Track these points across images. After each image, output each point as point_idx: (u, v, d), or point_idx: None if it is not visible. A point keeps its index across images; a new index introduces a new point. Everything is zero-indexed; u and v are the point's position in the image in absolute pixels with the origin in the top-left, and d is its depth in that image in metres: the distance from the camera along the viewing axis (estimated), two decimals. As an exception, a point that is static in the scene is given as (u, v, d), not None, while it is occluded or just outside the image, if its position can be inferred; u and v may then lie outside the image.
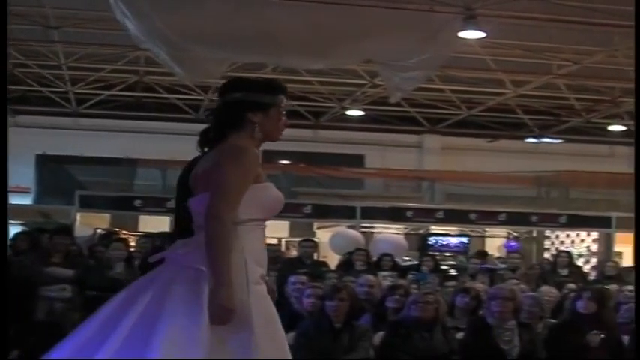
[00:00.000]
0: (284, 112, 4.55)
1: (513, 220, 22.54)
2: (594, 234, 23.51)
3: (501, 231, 23.81)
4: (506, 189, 23.70)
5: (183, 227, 4.48)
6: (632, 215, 23.64)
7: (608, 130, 26.04)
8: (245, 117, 4.40)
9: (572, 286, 11.78)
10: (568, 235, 23.62)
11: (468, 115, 24.12)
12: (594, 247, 23.27)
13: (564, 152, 26.37)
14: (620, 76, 19.69)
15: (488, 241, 24.20)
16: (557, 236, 23.74)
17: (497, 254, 20.75)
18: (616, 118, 24.51)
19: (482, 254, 17.97)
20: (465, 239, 22.84)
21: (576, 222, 22.87)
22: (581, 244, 23.54)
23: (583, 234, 23.58)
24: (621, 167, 26.93)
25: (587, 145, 27.09)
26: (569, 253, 15.75)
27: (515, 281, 11.47)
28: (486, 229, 23.59)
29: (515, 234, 23.79)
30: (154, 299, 4.08)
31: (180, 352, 3.87)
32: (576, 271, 14.96)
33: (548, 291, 10.75)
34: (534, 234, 24.22)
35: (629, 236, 23.61)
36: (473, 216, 22.03)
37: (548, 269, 15.01)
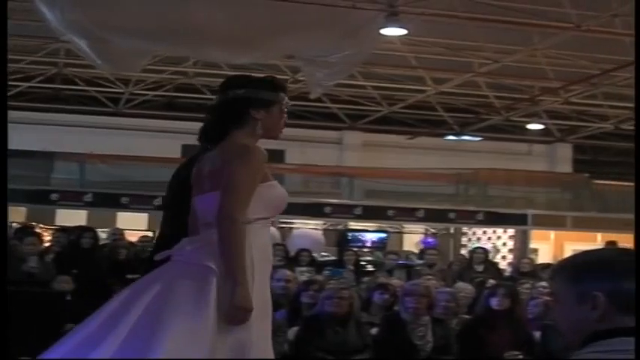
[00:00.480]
0: (285, 110, 4.58)
1: (431, 216, 22.73)
2: (511, 231, 23.82)
3: (419, 227, 23.99)
4: (425, 186, 23.86)
5: (179, 225, 4.53)
6: (548, 213, 24.17)
7: (527, 129, 26.45)
8: (248, 114, 4.42)
9: (492, 282, 11.91)
10: (485, 232, 23.89)
11: (388, 111, 24.28)
12: (510, 244, 23.59)
13: (483, 150, 26.69)
14: (539, 75, 19.99)
15: (406, 237, 24.37)
16: (474, 233, 24.00)
17: (414, 250, 20.91)
18: (534, 117, 24.89)
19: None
20: (383, 235, 22.96)
21: (493, 219, 23.14)
22: (498, 240, 23.85)
23: (500, 231, 23.88)
24: (539, 165, 27.40)
25: (505, 143, 27.46)
26: (485, 250, 15.92)
27: (429, 277, 11.54)
28: (404, 226, 23.75)
29: (432, 230, 23.99)
30: (160, 295, 4.05)
31: (183, 349, 3.86)
32: (492, 268, 15.13)
33: (464, 287, 10.85)
34: (452, 230, 24.45)
35: (546, 233, 24.04)
36: (391, 212, 22.17)
37: (464, 266, 15.16)
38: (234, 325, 4.03)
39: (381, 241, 22.67)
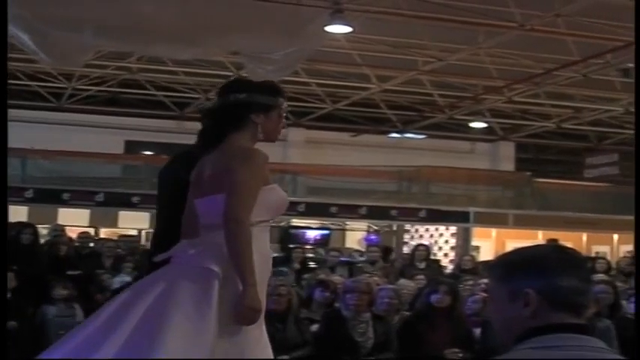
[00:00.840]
0: (284, 115, 4.65)
1: (374, 213, 22.82)
2: (453, 228, 24.00)
3: (362, 224, 24.07)
4: (368, 183, 23.95)
5: (175, 224, 4.58)
6: (490, 210, 24.40)
7: (470, 127, 26.62)
8: (248, 118, 4.47)
9: (436, 279, 11.97)
10: (427, 230, 24.04)
11: (332, 108, 24.30)
12: (453, 242, 23.76)
13: (426, 148, 26.83)
14: (483, 74, 20.11)
15: (348, 234, 24.45)
16: (416, 230, 24.13)
17: (357, 247, 20.97)
18: (478, 115, 25.05)
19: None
20: (325, 232, 23.01)
21: (435, 216, 23.31)
22: (440, 238, 24.01)
23: (442, 228, 24.05)
24: (481, 163, 27.61)
25: (449, 141, 27.65)
26: (427, 247, 16.01)
27: (368, 275, 11.58)
28: (347, 223, 23.82)
29: (375, 227, 24.08)
30: (162, 297, 4.08)
31: (185, 350, 3.89)
32: (434, 265, 15.20)
33: (406, 284, 10.91)
34: (394, 228, 24.56)
35: (487, 231, 24.24)
36: (334, 209, 22.23)
37: (406, 263, 15.22)
38: (243, 325, 4.11)
39: (324, 238, 22.73)
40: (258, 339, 4.32)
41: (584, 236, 24.94)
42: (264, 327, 4.39)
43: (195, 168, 4.54)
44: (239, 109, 4.48)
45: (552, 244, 2.55)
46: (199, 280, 4.11)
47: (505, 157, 29.04)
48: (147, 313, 4.02)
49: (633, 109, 22.92)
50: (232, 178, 4.21)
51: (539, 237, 22.94)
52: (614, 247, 25.07)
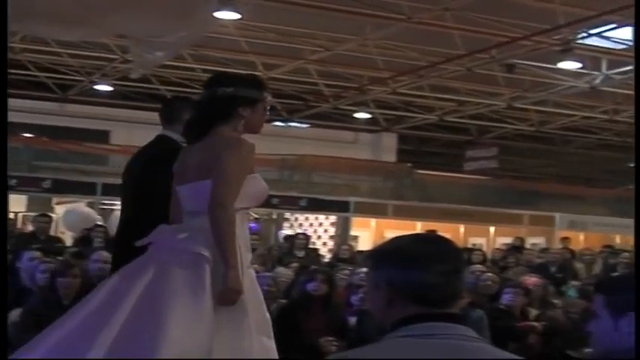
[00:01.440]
0: (268, 108, 4.87)
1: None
2: (333, 217, 24.13)
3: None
4: (250, 171, 23.84)
5: (145, 210, 5.12)
6: (370, 200, 24.60)
7: (354, 117, 26.75)
8: (235, 111, 4.65)
9: (312, 267, 11.99)
10: (307, 218, 24.11)
11: (217, 95, 24.11)
12: (332, 231, 23.89)
13: (310, 137, 26.90)
14: (369, 64, 20.22)
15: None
16: (296, 219, 24.18)
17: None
18: (362, 106, 25.19)
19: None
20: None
21: (316, 205, 23.38)
22: (320, 227, 24.12)
23: (322, 217, 24.15)
24: (364, 154, 27.80)
25: (332, 130, 27.75)
26: (306, 236, 16.06)
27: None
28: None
29: (255, 215, 24.04)
30: (154, 283, 4.22)
31: (187, 332, 4.03)
32: (312, 254, 15.27)
33: (284, 272, 10.91)
34: (274, 216, 24.56)
35: (367, 221, 24.43)
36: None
37: (285, 251, 15.25)
38: (225, 306, 4.24)
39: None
40: (261, 322, 4.51)
41: (462, 228, 25.36)
42: (266, 312, 4.64)
43: (179, 157, 4.76)
44: (227, 102, 4.63)
45: (420, 234, 2.58)
46: (191, 265, 4.27)
47: (387, 148, 29.30)
48: (141, 300, 4.13)
49: (519, 105, 23.44)
50: (220, 165, 4.38)
51: (418, 228, 23.21)
52: (490, 239, 25.56)
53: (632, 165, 33.21)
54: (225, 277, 4.22)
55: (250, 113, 4.69)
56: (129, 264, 4.51)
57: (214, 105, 4.65)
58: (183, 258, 4.31)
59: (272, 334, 4.61)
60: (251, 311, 4.40)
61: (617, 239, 25.24)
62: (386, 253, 2.66)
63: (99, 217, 18.77)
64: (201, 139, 4.65)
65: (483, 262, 14.41)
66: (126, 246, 5.34)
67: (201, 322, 4.12)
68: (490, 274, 9.76)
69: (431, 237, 2.77)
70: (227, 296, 4.25)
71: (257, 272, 9.56)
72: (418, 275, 2.53)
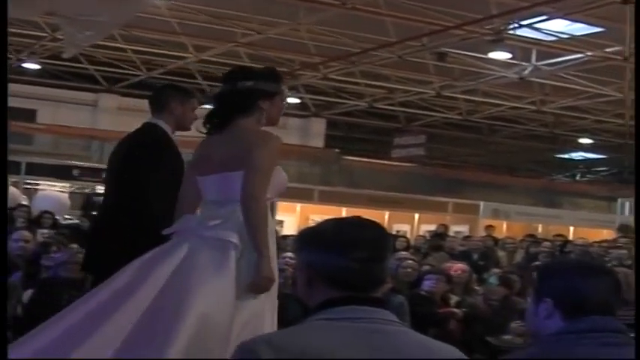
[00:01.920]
0: (285, 100, 5.12)
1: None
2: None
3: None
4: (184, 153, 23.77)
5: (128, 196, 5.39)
6: (296, 185, 24.57)
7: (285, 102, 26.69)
8: (256, 104, 4.83)
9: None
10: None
11: (147, 76, 23.94)
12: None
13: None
14: (300, 49, 20.21)
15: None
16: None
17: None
18: (292, 90, 25.15)
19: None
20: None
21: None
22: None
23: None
24: (293, 139, 27.79)
25: (262, 114, 27.69)
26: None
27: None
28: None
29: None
30: (185, 260, 4.44)
31: (213, 305, 4.25)
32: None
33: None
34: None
35: (292, 205, 24.47)
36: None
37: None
38: (258, 294, 4.52)
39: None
40: (272, 310, 4.67)
41: (387, 214, 25.49)
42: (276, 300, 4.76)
43: (199, 149, 4.97)
44: (248, 95, 4.83)
45: (350, 218, 2.61)
46: (219, 248, 4.49)
47: (316, 134, 29.33)
48: (173, 274, 4.37)
49: (448, 93, 23.64)
50: (252, 159, 4.59)
51: (343, 213, 23.23)
52: (414, 225, 25.76)
53: (557, 156, 33.77)
54: (259, 266, 4.45)
55: (269, 106, 4.88)
56: (154, 250, 4.62)
57: (234, 98, 4.84)
58: (212, 243, 4.51)
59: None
60: (267, 298, 4.62)
61: (540, 228, 25.62)
62: (309, 236, 2.73)
63: (24, 196, 18.57)
64: (221, 130, 4.84)
65: (407, 248, 14.55)
66: (106, 232, 5.70)
67: (224, 295, 4.34)
68: (411, 262, 9.85)
69: (360, 222, 2.78)
70: (261, 284, 4.49)
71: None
72: (336, 260, 2.60)
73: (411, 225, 25.73)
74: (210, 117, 4.92)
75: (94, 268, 5.86)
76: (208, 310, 4.23)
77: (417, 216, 26.01)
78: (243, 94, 4.84)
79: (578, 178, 36.57)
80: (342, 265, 2.59)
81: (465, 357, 2.72)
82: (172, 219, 4.88)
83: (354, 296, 2.59)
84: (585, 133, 29.00)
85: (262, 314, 4.56)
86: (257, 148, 4.63)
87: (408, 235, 20.10)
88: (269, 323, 4.57)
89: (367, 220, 2.83)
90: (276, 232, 16.44)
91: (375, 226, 2.73)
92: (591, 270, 3.15)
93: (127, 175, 5.63)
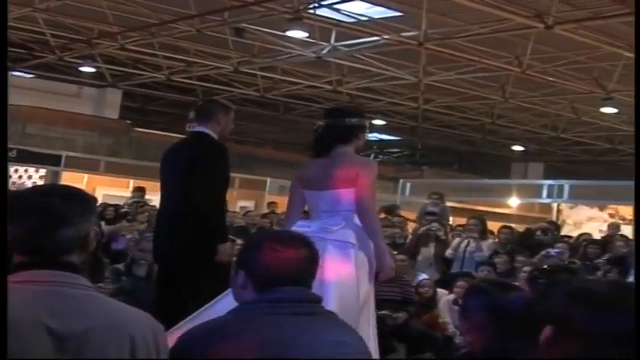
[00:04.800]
0: (367, 131, 6.49)
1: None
2: (43, 171, 23.78)
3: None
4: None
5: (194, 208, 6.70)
6: (82, 156, 24.26)
7: (79, 71, 26.18)
8: (358, 136, 6.21)
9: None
10: (17, 170, 23.57)
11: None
12: (40, 184, 23.39)
13: (34, 87, 26.16)
14: (99, 18, 19.84)
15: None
16: (6, 170, 23.48)
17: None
18: (88, 60, 24.66)
19: None
20: None
21: (26, 157, 22.94)
22: (29, 180, 23.62)
23: (32, 170, 23.72)
24: (87, 108, 27.33)
25: (57, 82, 27.10)
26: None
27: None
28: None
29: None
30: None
31: (344, 293, 5.49)
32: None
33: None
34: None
35: (79, 176, 24.14)
36: None
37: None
38: (383, 280, 6.23)
39: None
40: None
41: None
42: None
43: (306, 166, 6.32)
44: (353, 129, 6.18)
45: (43, 186, 2.71)
46: (343, 248, 5.75)
47: (111, 105, 28.83)
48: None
49: (247, 70, 23.75)
50: (364, 180, 5.93)
51: (130, 185, 23.18)
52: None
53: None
54: (382, 259, 5.89)
55: (362, 137, 6.25)
56: None
57: (341, 131, 6.14)
58: (334, 243, 5.71)
59: None
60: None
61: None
62: (9, 204, 2.76)
63: None
64: (325, 155, 6.12)
65: (115, 218, 14.63)
66: (176, 230, 6.89)
67: (350, 284, 5.63)
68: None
69: (53, 190, 2.92)
70: (389, 272, 6.06)
71: None
72: (13, 227, 2.68)
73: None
74: (318, 142, 6.21)
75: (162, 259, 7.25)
76: (342, 295, 5.40)
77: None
78: (350, 128, 6.16)
79: (370, 158, 37.40)
80: (17, 232, 2.67)
81: (159, 324, 2.83)
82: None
83: (37, 261, 2.66)
84: (378, 114, 29.70)
85: (368, 300, 5.90)
86: (368, 171, 6.01)
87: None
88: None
89: (66, 187, 2.97)
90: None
91: (56, 194, 2.79)
92: (283, 243, 3.17)
93: (198, 178, 6.73)
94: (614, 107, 23.39)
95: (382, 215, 14.36)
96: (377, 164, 6.33)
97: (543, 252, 11.51)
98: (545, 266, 10.77)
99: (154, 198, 22.52)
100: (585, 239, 14.60)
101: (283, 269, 3.08)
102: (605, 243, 13.76)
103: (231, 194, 23.88)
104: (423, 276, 10.91)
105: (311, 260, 3.20)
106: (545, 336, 2.05)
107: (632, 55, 17.74)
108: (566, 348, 2.01)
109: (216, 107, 7.17)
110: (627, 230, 16.27)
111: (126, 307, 2.79)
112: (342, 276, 5.55)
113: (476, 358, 3.63)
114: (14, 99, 23.56)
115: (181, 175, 6.83)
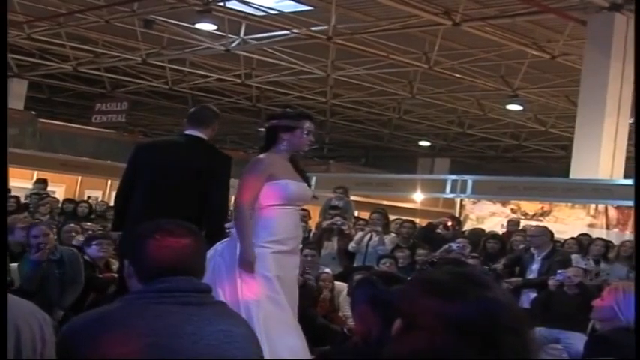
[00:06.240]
0: (306, 132, 6.43)
1: None
2: None
3: None
4: None
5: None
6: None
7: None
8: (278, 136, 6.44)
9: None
10: None
11: None
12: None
13: None
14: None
15: None
16: None
17: None
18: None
19: None
20: None
21: None
22: None
23: None
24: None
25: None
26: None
27: None
28: None
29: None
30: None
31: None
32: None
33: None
34: None
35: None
36: None
37: None
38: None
39: None
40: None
41: (79, 179, 25.17)
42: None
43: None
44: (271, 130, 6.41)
45: None
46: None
47: (16, 95, 28.31)
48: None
49: (155, 61, 23.60)
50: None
51: (34, 177, 22.85)
52: (106, 192, 25.50)
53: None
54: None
55: (290, 136, 6.26)
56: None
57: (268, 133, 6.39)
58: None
59: None
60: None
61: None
62: None
63: None
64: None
65: (17, 210, 14.61)
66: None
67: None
68: (73, 225, 10.51)
69: None
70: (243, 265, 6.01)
71: None
72: None
73: (103, 191, 25.46)
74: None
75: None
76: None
77: (109, 182, 25.77)
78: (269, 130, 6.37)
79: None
80: None
81: (46, 314, 2.85)
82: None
83: None
84: (287, 108, 29.75)
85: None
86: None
87: (100, 200, 20.27)
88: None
89: None
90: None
91: None
92: (166, 232, 3.06)
93: (218, 181, 6.96)
94: (519, 104, 23.90)
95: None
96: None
97: (445, 246, 11.69)
98: (435, 259, 11.09)
99: (57, 190, 22.44)
100: (485, 235, 14.84)
101: (166, 259, 2.99)
102: (505, 239, 14.03)
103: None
104: (325, 269, 11.02)
105: (196, 250, 3.10)
106: (395, 328, 2.06)
107: (538, 53, 18.21)
108: (413, 339, 2.01)
109: (212, 115, 7.36)
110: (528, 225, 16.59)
111: (11, 297, 2.73)
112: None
113: (359, 346, 3.71)
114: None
115: (197, 177, 6.93)
